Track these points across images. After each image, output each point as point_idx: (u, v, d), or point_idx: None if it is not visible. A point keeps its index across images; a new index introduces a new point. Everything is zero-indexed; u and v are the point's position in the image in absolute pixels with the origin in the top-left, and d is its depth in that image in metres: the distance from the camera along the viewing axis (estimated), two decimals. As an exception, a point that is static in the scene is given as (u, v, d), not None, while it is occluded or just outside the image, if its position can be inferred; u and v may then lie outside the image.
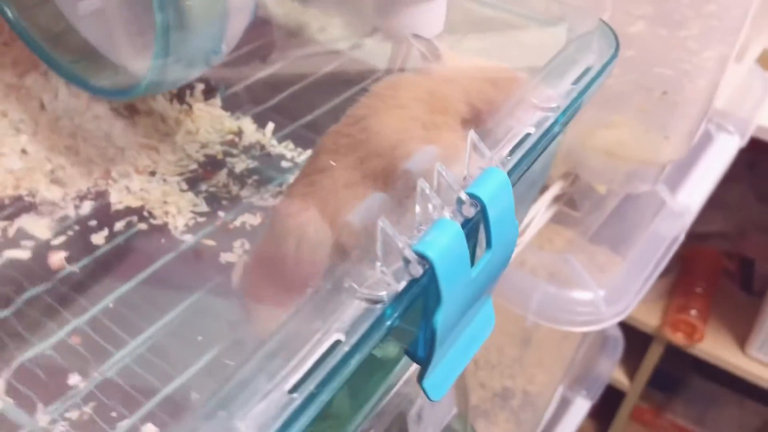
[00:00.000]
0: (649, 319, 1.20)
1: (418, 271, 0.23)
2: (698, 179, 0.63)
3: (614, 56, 0.35)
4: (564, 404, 0.94)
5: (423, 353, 0.26)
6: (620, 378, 1.29)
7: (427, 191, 0.24)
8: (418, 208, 0.25)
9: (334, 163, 0.33)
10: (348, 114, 0.33)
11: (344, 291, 0.23)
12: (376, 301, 0.23)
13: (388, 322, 0.23)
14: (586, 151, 0.52)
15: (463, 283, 0.25)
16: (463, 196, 0.25)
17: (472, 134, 0.26)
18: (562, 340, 0.83)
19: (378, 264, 0.23)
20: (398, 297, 0.23)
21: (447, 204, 0.25)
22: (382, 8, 0.33)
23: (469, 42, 0.44)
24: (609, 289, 0.55)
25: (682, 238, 0.61)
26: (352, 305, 0.23)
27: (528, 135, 0.30)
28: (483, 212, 0.25)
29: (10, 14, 0.44)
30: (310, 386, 0.21)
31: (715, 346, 1.19)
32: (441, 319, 0.24)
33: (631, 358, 1.23)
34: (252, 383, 0.20)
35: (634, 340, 1.14)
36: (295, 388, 0.21)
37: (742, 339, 1.18)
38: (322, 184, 0.34)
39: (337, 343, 0.22)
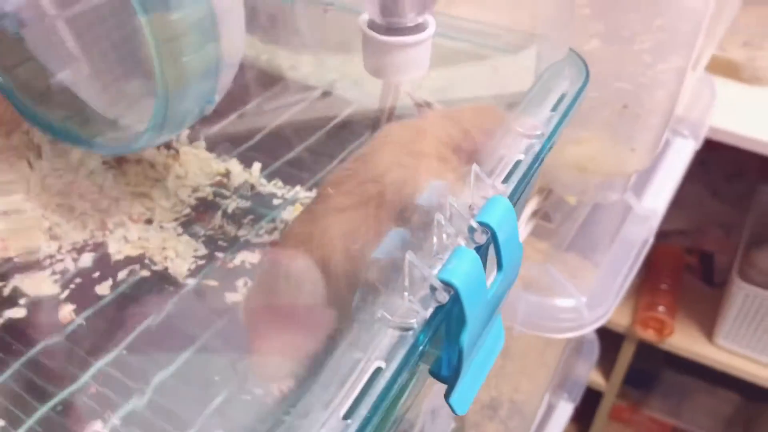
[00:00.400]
0: (620, 319, 1.24)
1: (444, 297, 0.25)
2: (660, 183, 0.67)
3: (586, 82, 0.38)
4: (549, 410, 0.96)
5: (447, 372, 0.28)
6: (596, 379, 1.33)
7: (443, 222, 0.27)
8: (435, 239, 0.27)
9: (332, 191, 0.36)
10: (353, 155, 0.36)
11: (378, 321, 0.25)
12: (407, 329, 0.25)
13: (421, 347, 0.25)
14: (558, 167, 0.55)
15: (482, 304, 0.27)
16: (474, 225, 0.27)
17: (474, 166, 0.29)
18: (545, 347, 0.86)
19: (406, 294, 0.26)
20: (428, 323, 0.25)
21: (460, 232, 0.27)
22: (371, 51, 0.35)
23: (441, 74, 0.47)
24: (589, 295, 0.58)
25: (651, 240, 0.64)
26: (387, 334, 0.25)
27: (519, 162, 0.33)
28: (494, 238, 0.27)
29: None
30: (362, 411, 0.23)
31: (685, 340, 1.23)
32: (466, 339, 0.26)
33: (606, 359, 1.27)
34: (311, 414, 0.22)
35: (607, 340, 1.17)
36: (348, 415, 0.23)
37: (709, 330, 1.23)
38: (317, 209, 0.37)
39: (379, 369, 0.24)
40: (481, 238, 0.27)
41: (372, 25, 0.35)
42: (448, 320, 0.26)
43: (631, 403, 1.43)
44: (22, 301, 0.44)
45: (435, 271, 0.26)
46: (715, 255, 1.30)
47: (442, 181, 0.31)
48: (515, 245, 0.29)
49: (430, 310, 0.25)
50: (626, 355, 1.27)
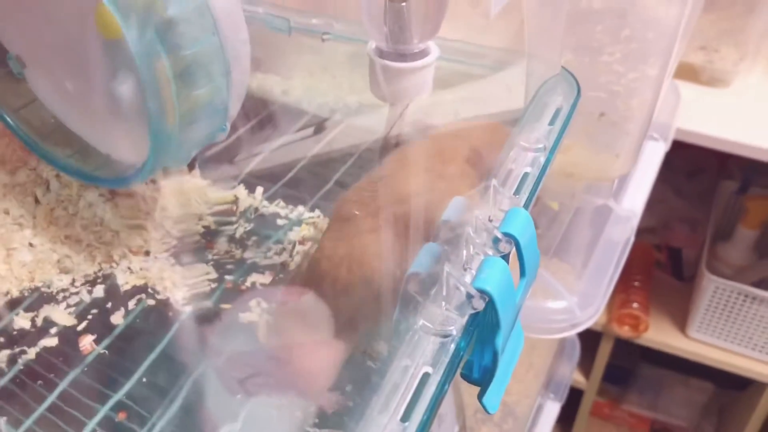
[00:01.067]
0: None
1: (480, 304, 0.27)
2: (637, 185, 0.71)
3: (578, 96, 0.41)
4: (537, 410, 0.99)
5: (479, 374, 0.31)
6: (576, 377, 1.36)
7: (472, 234, 0.29)
8: (464, 251, 0.29)
9: (357, 212, 0.39)
10: (367, 176, 0.38)
11: (420, 330, 0.27)
12: (446, 335, 0.27)
13: (462, 352, 0.27)
14: (546, 174, 0.57)
15: (511, 309, 0.29)
16: (500, 235, 0.29)
17: (493, 181, 0.31)
18: (531, 349, 0.89)
19: (443, 303, 0.28)
20: (466, 329, 0.27)
21: (486, 243, 0.30)
22: (381, 77, 0.37)
23: (440, 96, 0.49)
24: (580, 296, 0.61)
25: (632, 239, 0.67)
26: (430, 341, 0.27)
27: (527, 174, 0.35)
28: (517, 246, 0.30)
29: (9, 119, 0.46)
30: (417, 414, 0.25)
31: (659, 334, 1.27)
32: (500, 341, 0.28)
33: (584, 357, 1.30)
34: (373, 419, 0.24)
35: (585, 339, 1.21)
36: (405, 417, 0.24)
37: (681, 323, 1.27)
38: (347, 230, 0.39)
39: (427, 375, 0.26)
40: (506, 248, 0.29)
41: (379, 52, 0.38)
42: (482, 326, 0.29)
43: (610, 399, 1.46)
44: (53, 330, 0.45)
45: (468, 280, 0.28)
46: (683, 250, 1.35)
47: (464, 197, 0.33)
48: (534, 253, 0.31)
49: (467, 317, 0.28)
50: (604, 352, 1.31)
